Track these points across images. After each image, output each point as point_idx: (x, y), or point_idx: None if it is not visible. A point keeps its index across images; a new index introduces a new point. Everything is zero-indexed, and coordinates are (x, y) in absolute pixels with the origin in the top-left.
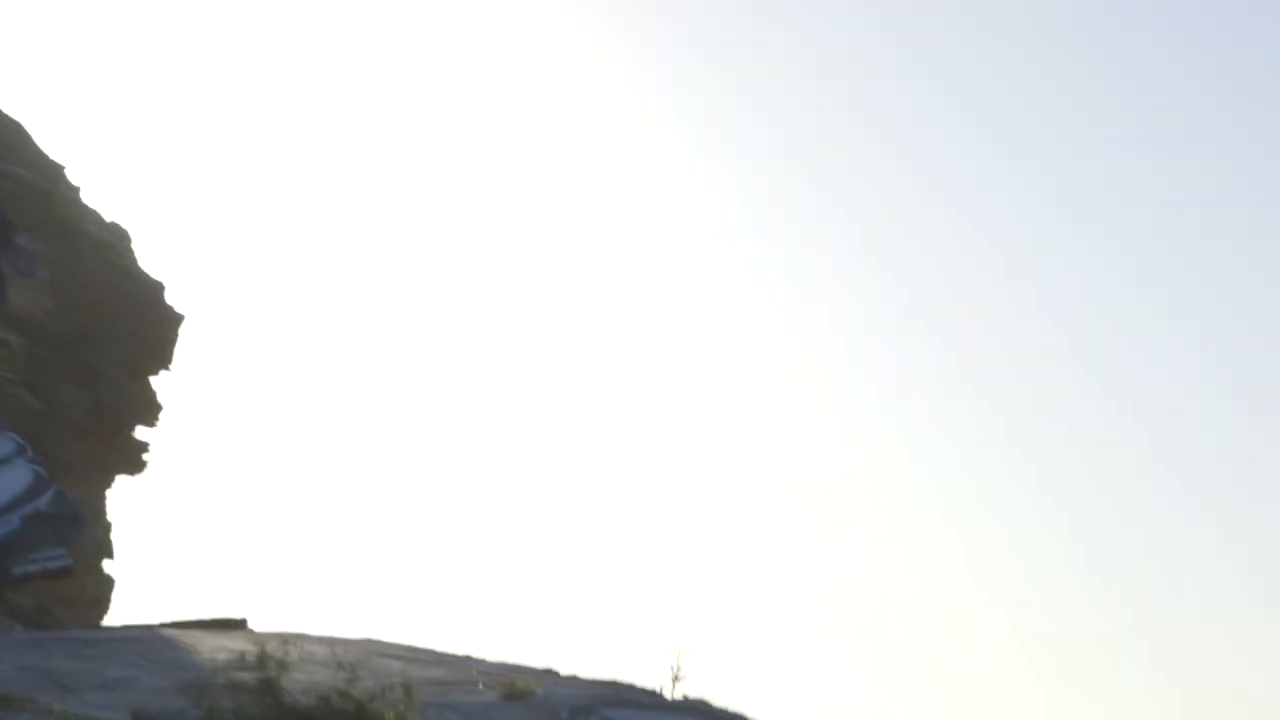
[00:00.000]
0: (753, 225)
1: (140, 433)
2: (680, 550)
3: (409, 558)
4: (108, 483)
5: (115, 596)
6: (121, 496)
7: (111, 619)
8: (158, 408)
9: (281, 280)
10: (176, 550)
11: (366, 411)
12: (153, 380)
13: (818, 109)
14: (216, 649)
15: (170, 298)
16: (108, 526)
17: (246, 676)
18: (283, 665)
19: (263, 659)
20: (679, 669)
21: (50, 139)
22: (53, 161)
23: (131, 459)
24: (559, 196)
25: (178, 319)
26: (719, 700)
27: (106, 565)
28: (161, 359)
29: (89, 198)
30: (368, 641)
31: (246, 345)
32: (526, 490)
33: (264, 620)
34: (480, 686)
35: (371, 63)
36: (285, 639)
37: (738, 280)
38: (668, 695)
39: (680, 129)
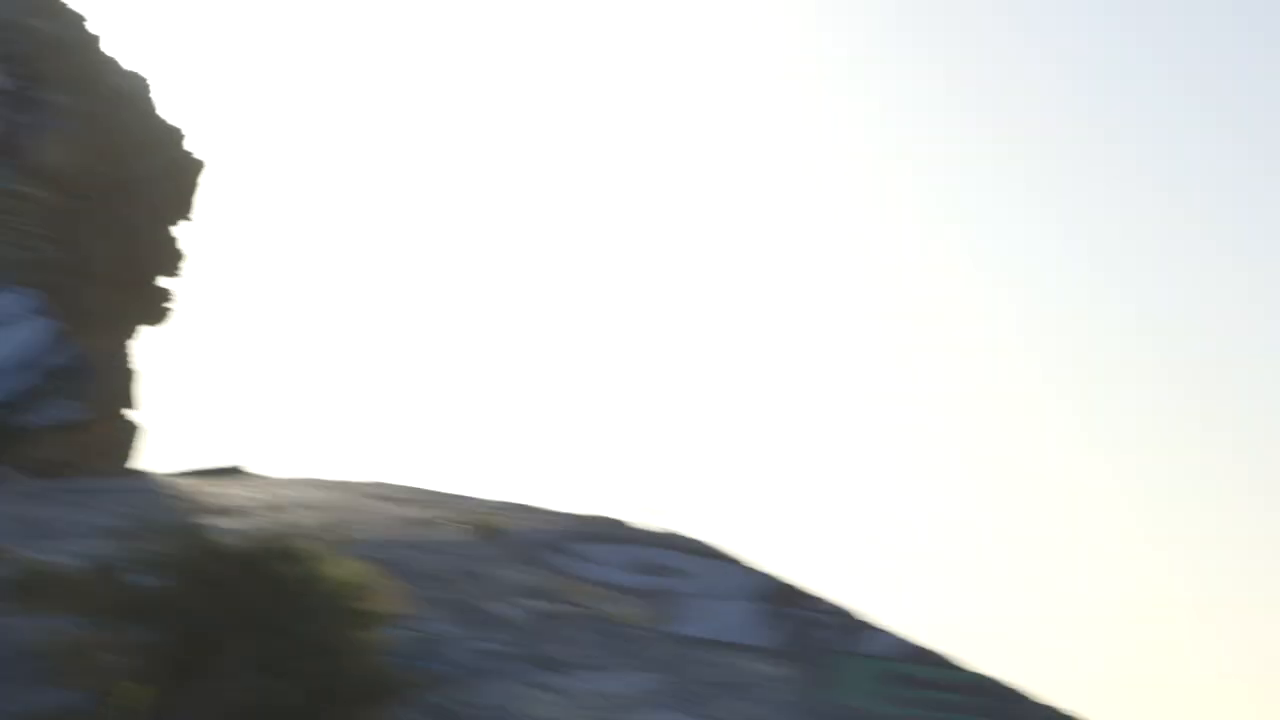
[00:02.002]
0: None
1: (163, 283)
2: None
3: (424, 403)
4: (131, 333)
5: (139, 445)
6: (147, 346)
7: (135, 466)
8: (180, 257)
9: (302, 124)
10: (199, 399)
11: (384, 262)
12: (174, 230)
13: None
14: (210, 495)
15: (190, 145)
16: (131, 376)
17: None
18: (230, 511)
19: (197, 505)
20: (658, 503)
21: None
22: (73, 11)
23: (154, 309)
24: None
25: (198, 165)
26: (701, 535)
27: (130, 415)
28: (183, 208)
29: (107, 46)
30: (362, 484)
31: (265, 192)
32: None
33: (269, 467)
34: (454, 525)
35: None
36: (274, 483)
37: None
38: (650, 531)
39: None
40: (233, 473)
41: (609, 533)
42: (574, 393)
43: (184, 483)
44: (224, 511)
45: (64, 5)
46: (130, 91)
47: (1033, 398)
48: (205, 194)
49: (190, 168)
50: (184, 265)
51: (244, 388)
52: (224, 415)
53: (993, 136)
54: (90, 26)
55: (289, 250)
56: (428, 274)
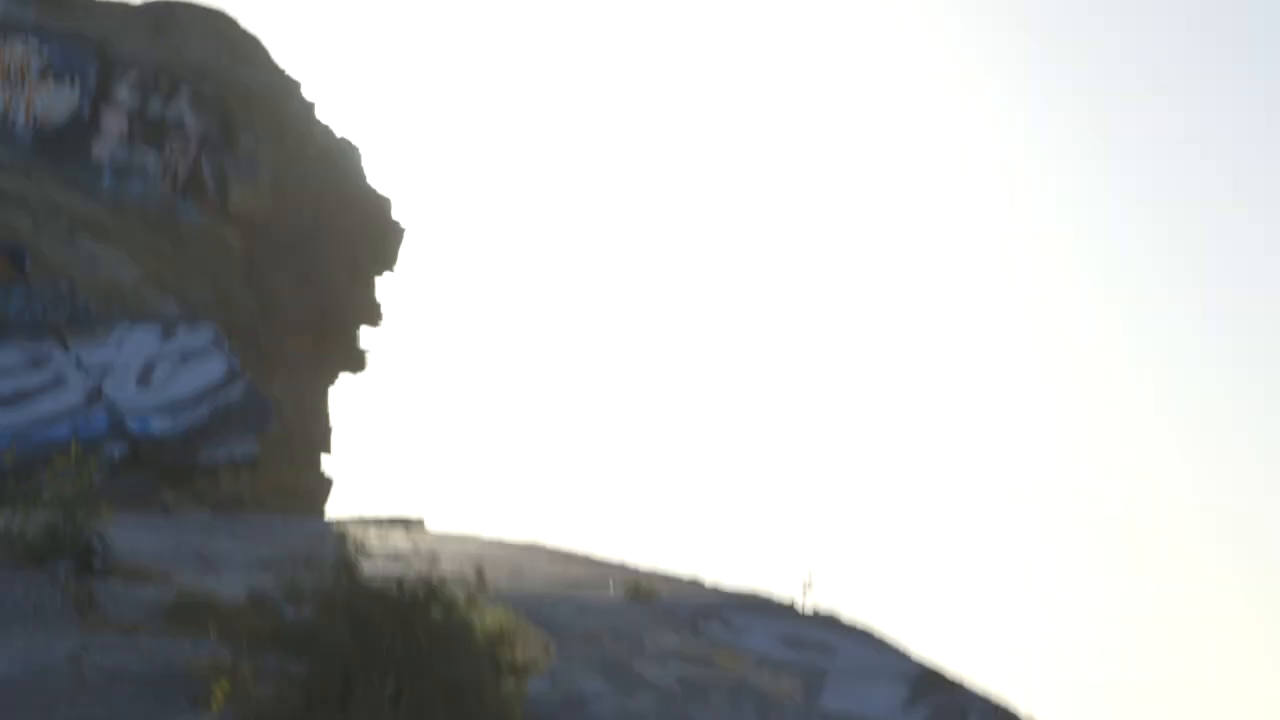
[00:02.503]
0: None
1: (361, 333)
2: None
3: (596, 467)
4: (330, 380)
5: (326, 489)
6: (343, 394)
7: (315, 510)
8: (379, 310)
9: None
10: (387, 448)
11: (572, 322)
12: (374, 283)
13: None
14: (375, 541)
15: (395, 213)
16: (324, 422)
17: (385, 566)
18: (368, 552)
19: (358, 546)
20: (810, 580)
21: (289, 56)
22: (286, 75)
23: (353, 358)
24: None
25: (400, 231)
26: (848, 613)
27: (320, 459)
28: (384, 262)
29: (323, 114)
30: (524, 543)
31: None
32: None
33: (446, 522)
34: (610, 588)
35: None
36: (441, 537)
37: None
38: (798, 605)
39: None
40: (406, 524)
41: (761, 606)
42: (732, 458)
43: (354, 527)
44: (384, 556)
45: (274, 65)
46: (337, 153)
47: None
48: (406, 253)
49: (393, 230)
50: (382, 318)
51: (431, 441)
52: (409, 466)
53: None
54: (303, 91)
55: (484, 306)
56: (616, 337)
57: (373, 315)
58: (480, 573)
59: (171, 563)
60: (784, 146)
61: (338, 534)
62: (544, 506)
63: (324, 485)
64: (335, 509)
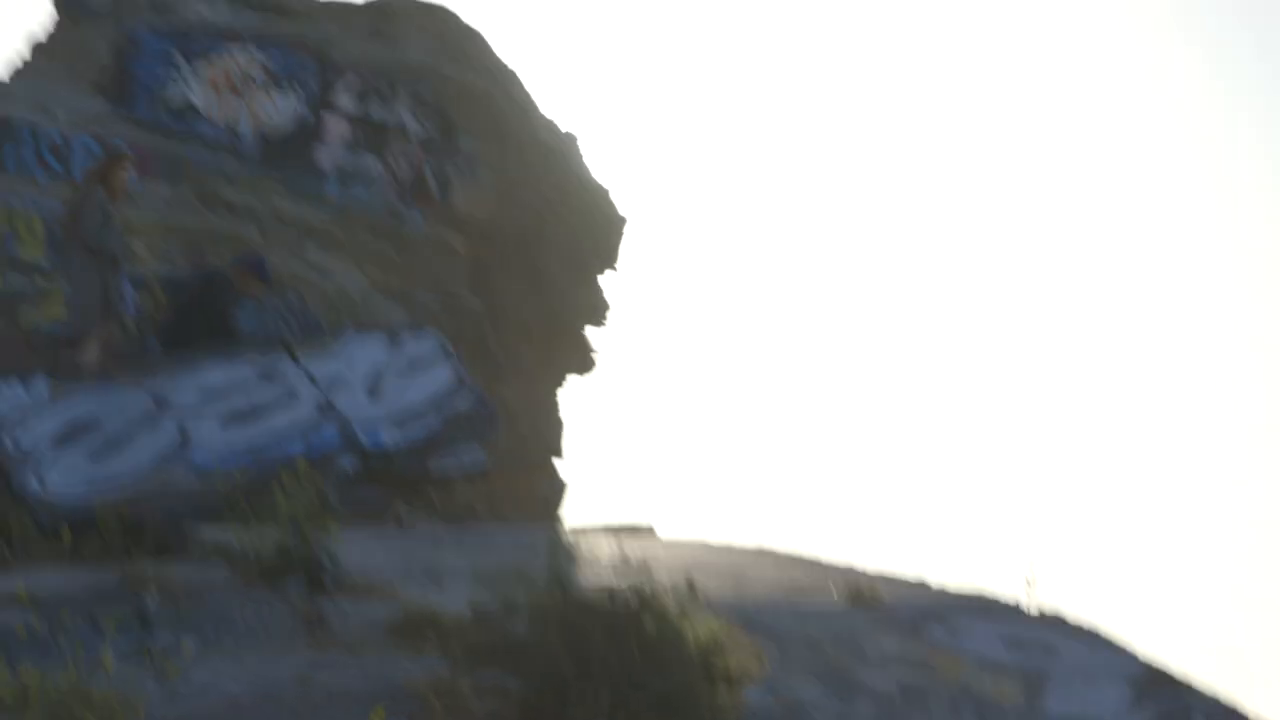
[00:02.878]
0: None
1: (589, 332)
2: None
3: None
4: (558, 382)
5: (561, 496)
6: (574, 397)
7: (549, 517)
8: (605, 307)
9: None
10: (618, 452)
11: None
12: (599, 281)
13: None
14: (604, 550)
15: (615, 201)
16: (556, 426)
17: (606, 576)
18: (591, 562)
19: (575, 556)
20: (1032, 578)
21: (510, 48)
22: (507, 69)
23: (581, 359)
24: None
25: (622, 222)
26: (1074, 612)
27: (553, 465)
28: (607, 259)
29: (544, 106)
30: (751, 548)
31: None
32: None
33: (678, 527)
34: (833, 593)
35: None
36: (671, 545)
37: None
38: (1023, 605)
39: None
40: (639, 531)
41: (985, 607)
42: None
43: (584, 536)
44: (609, 565)
45: (497, 61)
46: (558, 149)
47: None
48: (628, 248)
49: (614, 223)
50: (609, 316)
51: (662, 444)
52: (642, 470)
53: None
54: (523, 85)
55: (705, 300)
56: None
57: (599, 314)
58: (691, 582)
59: (400, 578)
60: None
61: (558, 543)
62: (775, 509)
63: (559, 490)
64: (571, 514)
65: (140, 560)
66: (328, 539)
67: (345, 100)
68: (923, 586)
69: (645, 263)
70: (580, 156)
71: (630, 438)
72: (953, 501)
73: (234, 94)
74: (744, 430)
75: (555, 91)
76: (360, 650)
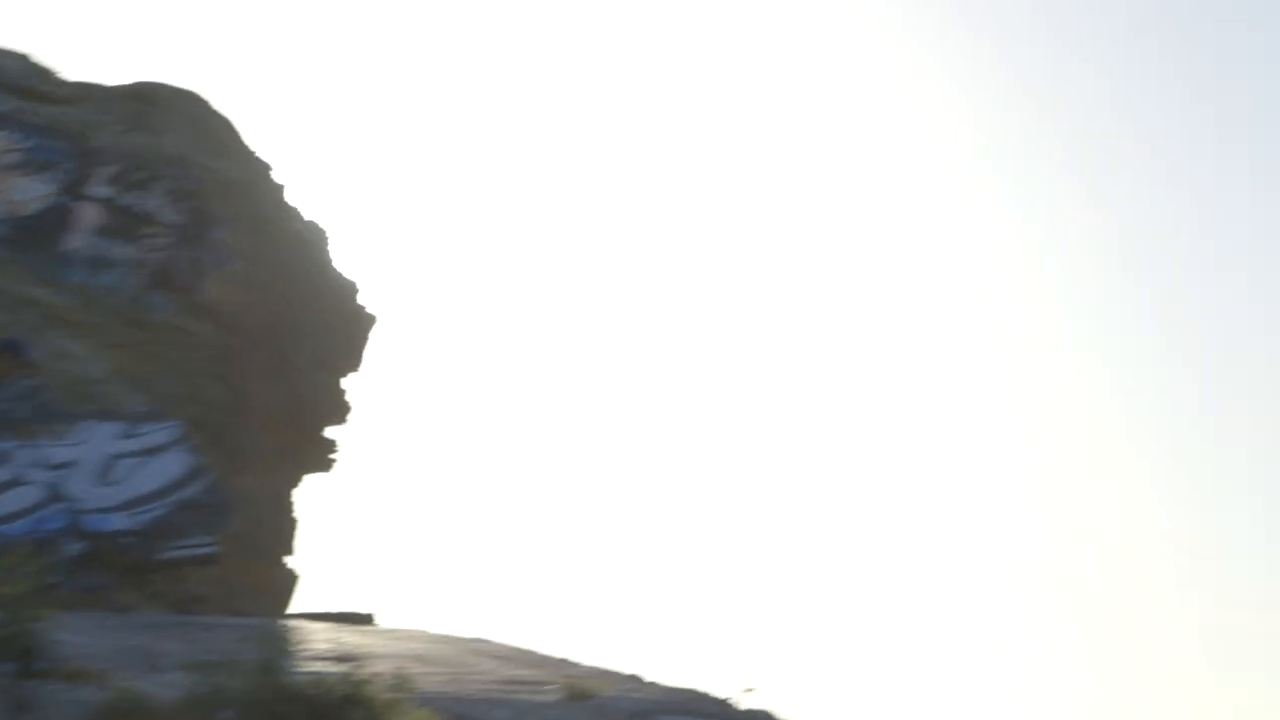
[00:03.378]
0: None
1: (329, 432)
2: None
3: (558, 558)
4: (296, 479)
5: (292, 588)
6: (307, 492)
7: (276, 608)
8: (347, 407)
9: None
10: (352, 545)
11: (538, 415)
12: (343, 381)
13: None
14: (322, 641)
15: (363, 299)
16: (293, 522)
17: (321, 666)
18: (332, 656)
19: (286, 647)
20: (750, 682)
21: (257, 138)
22: (259, 159)
23: (320, 457)
24: None
25: (370, 320)
26: (783, 714)
27: (285, 559)
28: (352, 359)
29: (290, 197)
30: (474, 640)
31: (427, 349)
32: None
33: (400, 618)
34: (548, 688)
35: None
36: (391, 635)
37: None
38: (735, 706)
39: None
40: (359, 619)
41: (696, 705)
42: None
43: (306, 626)
44: (326, 657)
45: (250, 152)
46: (308, 240)
47: None
48: (374, 347)
49: (362, 320)
50: (349, 416)
51: (396, 536)
52: (370, 562)
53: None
54: (274, 175)
55: (444, 394)
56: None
57: (340, 413)
58: (402, 673)
59: (116, 663)
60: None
61: (273, 633)
62: (497, 601)
63: (290, 582)
64: (298, 604)
65: None
66: (42, 624)
67: (101, 187)
68: (639, 682)
69: (396, 356)
70: (327, 250)
71: (364, 530)
72: (687, 596)
73: None
74: (477, 521)
75: (305, 183)
76: None
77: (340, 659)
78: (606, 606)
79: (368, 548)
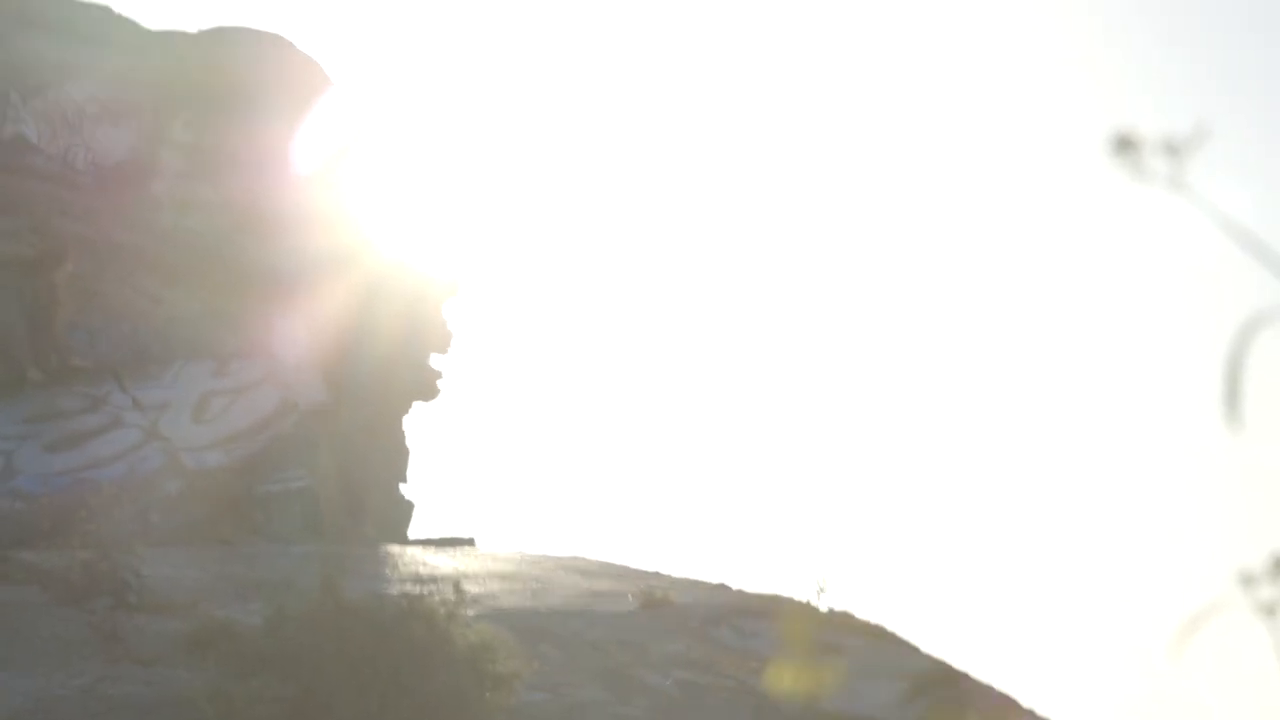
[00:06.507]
0: None
1: (434, 361)
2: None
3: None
4: (404, 408)
5: (405, 516)
6: (418, 422)
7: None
8: (449, 335)
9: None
10: (466, 473)
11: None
12: (443, 309)
13: None
14: (417, 563)
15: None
16: (405, 450)
17: (408, 588)
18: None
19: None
20: (824, 582)
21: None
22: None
23: (425, 386)
24: None
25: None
26: (862, 613)
27: (397, 487)
28: (450, 289)
29: None
30: (564, 558)
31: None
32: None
33: (501, 541)
34: (629, 598)
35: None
36: (489, 557)
37: None
38: (813, 607)
39: None
40: (459, 543)
41: (774, 608)
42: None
43: (403, 551)
44: (414, 579)
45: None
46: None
47: None
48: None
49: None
50: (450, 343)
51: (493, 461)
52: (477, 487)
53: None
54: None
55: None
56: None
57: (443, 342)
58: (458, 587)
59: (207, 594)
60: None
61: (370, 559)
62: (600, 518)
63: (406, 510)
64: (409, 530)
65: None
66: (135, 559)
67: (183, 131)
68: (721, 589)
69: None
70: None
71: (470, 457)
72: (764, 504)
73: (68, 126)
74: (576, 444)
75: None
76: (151, 663)
77: (426, 580)
78: (698, 521)
79: (476, 474)
